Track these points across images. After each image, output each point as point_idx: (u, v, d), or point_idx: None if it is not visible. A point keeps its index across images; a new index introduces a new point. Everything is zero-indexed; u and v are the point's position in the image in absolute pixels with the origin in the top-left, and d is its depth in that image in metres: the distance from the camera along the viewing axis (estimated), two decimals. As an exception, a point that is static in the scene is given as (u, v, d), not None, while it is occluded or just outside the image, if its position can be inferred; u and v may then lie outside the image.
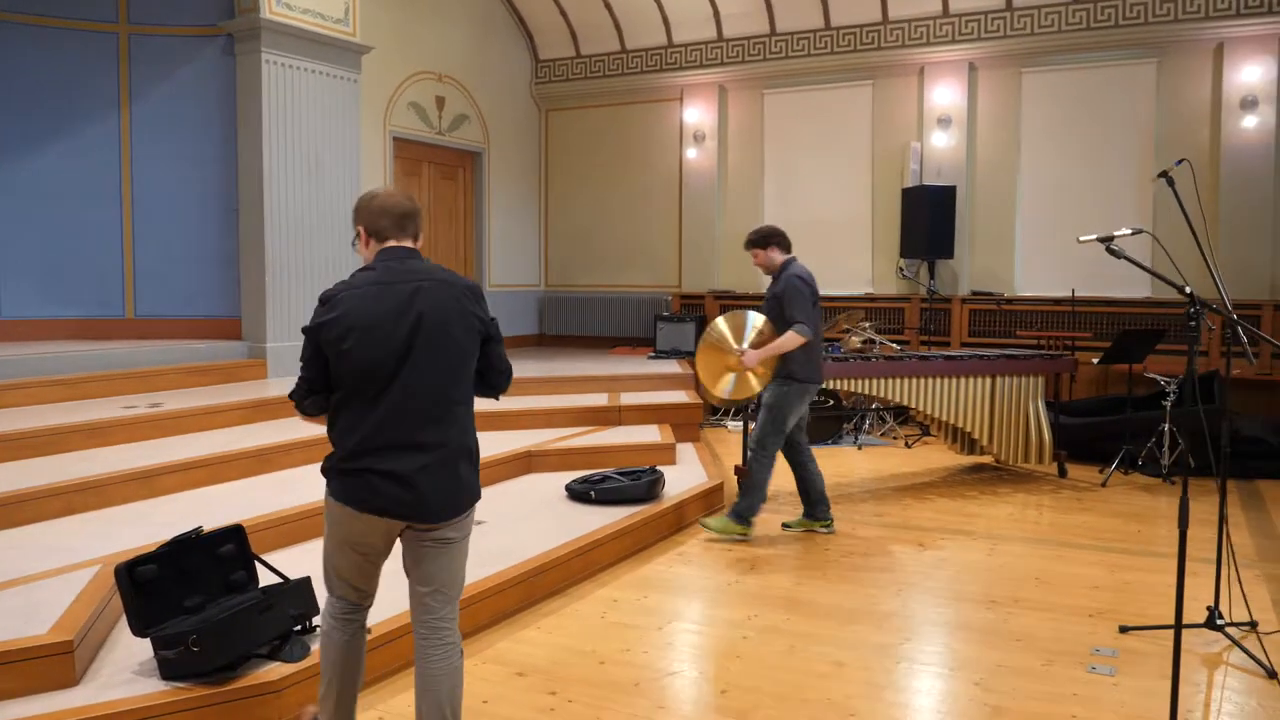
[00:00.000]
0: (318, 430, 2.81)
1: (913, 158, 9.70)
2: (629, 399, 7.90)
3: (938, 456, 8.12)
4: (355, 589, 2.81)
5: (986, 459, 7.83)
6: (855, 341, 8.76)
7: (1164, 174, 4.10)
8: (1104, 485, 7.03)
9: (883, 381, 6.83)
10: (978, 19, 9.43)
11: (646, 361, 9.77)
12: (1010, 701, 3.41)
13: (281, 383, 7.24)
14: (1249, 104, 8.45)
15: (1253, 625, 4.02)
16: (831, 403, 8.72)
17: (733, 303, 10.62)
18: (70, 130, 7.87)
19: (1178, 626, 3.20)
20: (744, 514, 5.49)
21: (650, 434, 7.15)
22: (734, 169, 10.74)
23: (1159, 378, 7.17)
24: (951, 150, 9.62)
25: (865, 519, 6.04)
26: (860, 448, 8.47)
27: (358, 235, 2.81)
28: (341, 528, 2.72)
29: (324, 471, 2.72)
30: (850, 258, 10.23)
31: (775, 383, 5.42)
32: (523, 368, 8.53)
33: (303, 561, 3.96)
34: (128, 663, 3.23)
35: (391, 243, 2.74)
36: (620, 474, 5.85)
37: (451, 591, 2.79)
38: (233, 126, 7.87)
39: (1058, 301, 9.10)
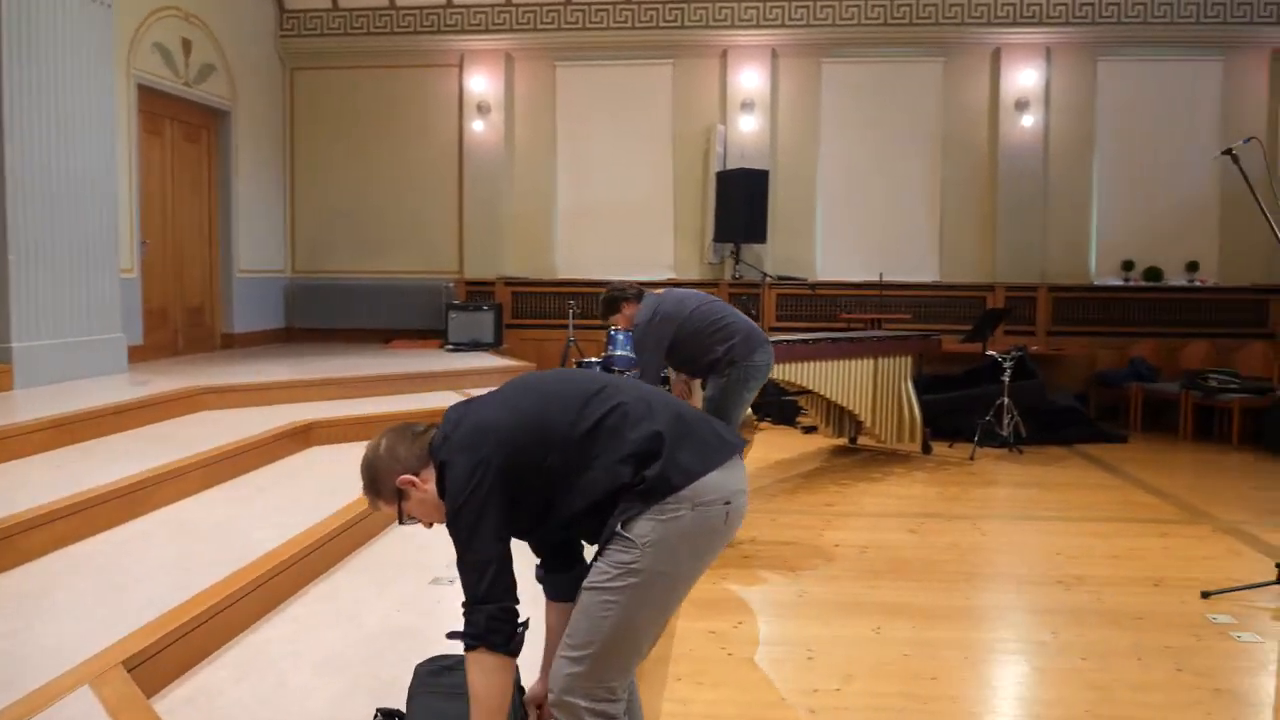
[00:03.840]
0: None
1: (718, 140, 9.55)
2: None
3: (821, 441, 8.05)
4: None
5: (840, 441, 7.88)
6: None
7: (1228, 151, 4.20)
8: (972, 459, 7.32)
9: (785, 366, 6.54)
10: (781, 6, 9.48)
11: (454, 355, 8.71)
12: (1209, 680, 3.23)
13: (32, 395, 5.40)
14: (1023, 106, 9.28)
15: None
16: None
17: (528, 290, 9.84)
18: None
19: None
20: None
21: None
22: (523, 145, 9.92)
23: (996, 354, 7.61)
24: (756, 135, 9.60)
25: (810, 510, 5.73)
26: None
27: (402, 495, 2.07)
28: (699, 553, 2.04)
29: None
30: (651, 241, 9.87)
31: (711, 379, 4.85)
32: (311, 366, 7.29)
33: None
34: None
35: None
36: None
37: None
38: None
39: (866, 285, 9.41)
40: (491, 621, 1.88)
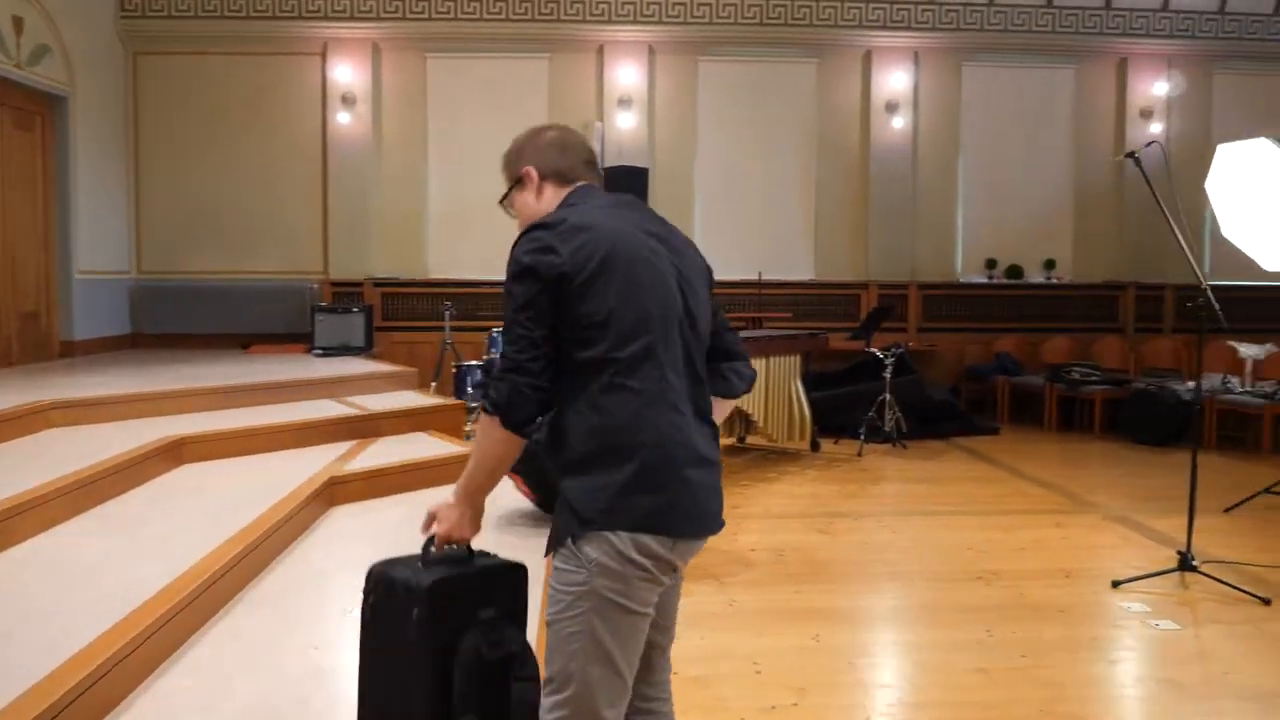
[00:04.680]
0: None
1: (595, 137, 9.37)
2: (372, 403, 6.52)
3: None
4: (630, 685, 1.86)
5: (729, 440, 7.84)
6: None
7: (1131, 154, 4.32)
8: (860, 455, 7.40)
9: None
10: (658, 3, 9.38)
11: (324, 360, 8.20)
12: (1147, 670, 3.28)
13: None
14: (893, 108, 9.49)
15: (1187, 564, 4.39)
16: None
17: (400, 291, 9.41)
18: None
19: None
20: None
21: (437, 444, 5.95)
22: (392, 139, 9.47)
23: (878, 351, 7.74)
24: (634, 132, 9.46)
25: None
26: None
27: (518, 182, 2.01)
28: (635, 587, 1.76)
29: (595, 505, 1.75)
30: (527, 241, 9.58)
31: None
32: (169, 376, 6.71)
33: None
34: None
35: (582, 183, 2.00)
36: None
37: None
38: None
39: (745, 284, 9.41)
40: (516, 395, 1.74)
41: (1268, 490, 5.37)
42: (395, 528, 4.51)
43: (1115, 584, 4.19)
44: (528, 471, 4.70)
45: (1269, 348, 7.73)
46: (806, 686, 3.16)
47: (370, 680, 1.95)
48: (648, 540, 1.74)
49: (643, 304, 1.77)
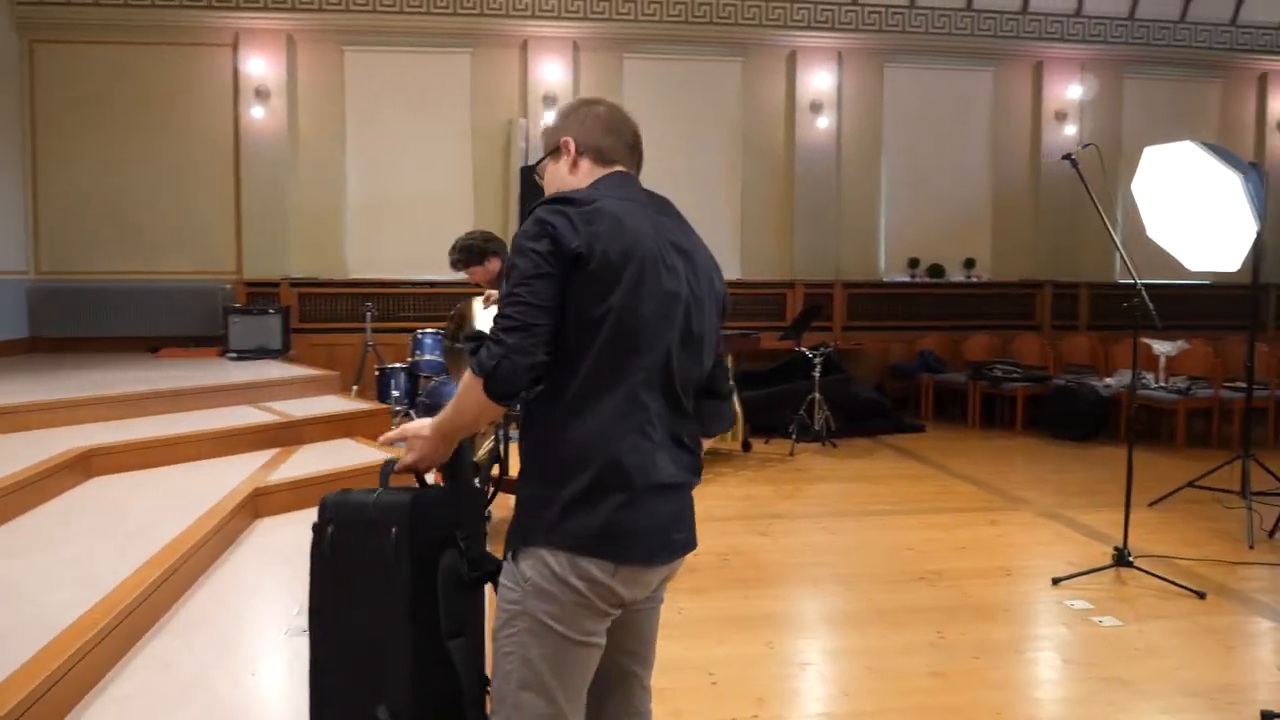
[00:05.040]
0: None
1: (520, 135, 9.20)
2: (293, 409, 6.26)
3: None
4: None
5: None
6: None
7: (1068, 156, 4.37)
8: (792, 455, 7.40)
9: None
10: (583, -2, 9.27)
11: (239, 364, 7.87)
12: (1097, 669, 3.31)
13: None
14: (817, 108, 9.54)
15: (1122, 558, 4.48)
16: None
17: (318, 291, 9.10)
18: None
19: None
20: None
21: (364, 451, 5.74)
22: (308, 134, 9.14)
23: (807, 350, 7.77)
24: (559, 130, 9.31)
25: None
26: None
27: (554, 152, 1.89)
28: (572, 613, 1.66)
29: (540, 518, 1.66)
30: (450, 240, 9.23)
31: None
32: (73, 382, 6.35)
33: None
34: None
35: (620, 169, 1.87)
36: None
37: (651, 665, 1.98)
38: None
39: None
40: (503, 368, 1.59)
41: (1191, 484, 5.51)
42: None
43: (1055, 581, 4.23)
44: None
45: (1180, 344, 7.98)
46: (764, 696, 3.09)
47: (337, 617, 1.82)
48: (587, 564, 1.63)
49: (641, 315, 1.65)
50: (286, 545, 4.20)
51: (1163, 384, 7.84)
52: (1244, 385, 7.80)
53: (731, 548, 4.85)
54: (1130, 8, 9.88)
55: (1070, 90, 9.89)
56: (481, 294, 5.04)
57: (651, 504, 1.68)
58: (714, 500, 5.97)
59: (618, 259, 1.63)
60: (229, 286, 8.98)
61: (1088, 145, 4.36)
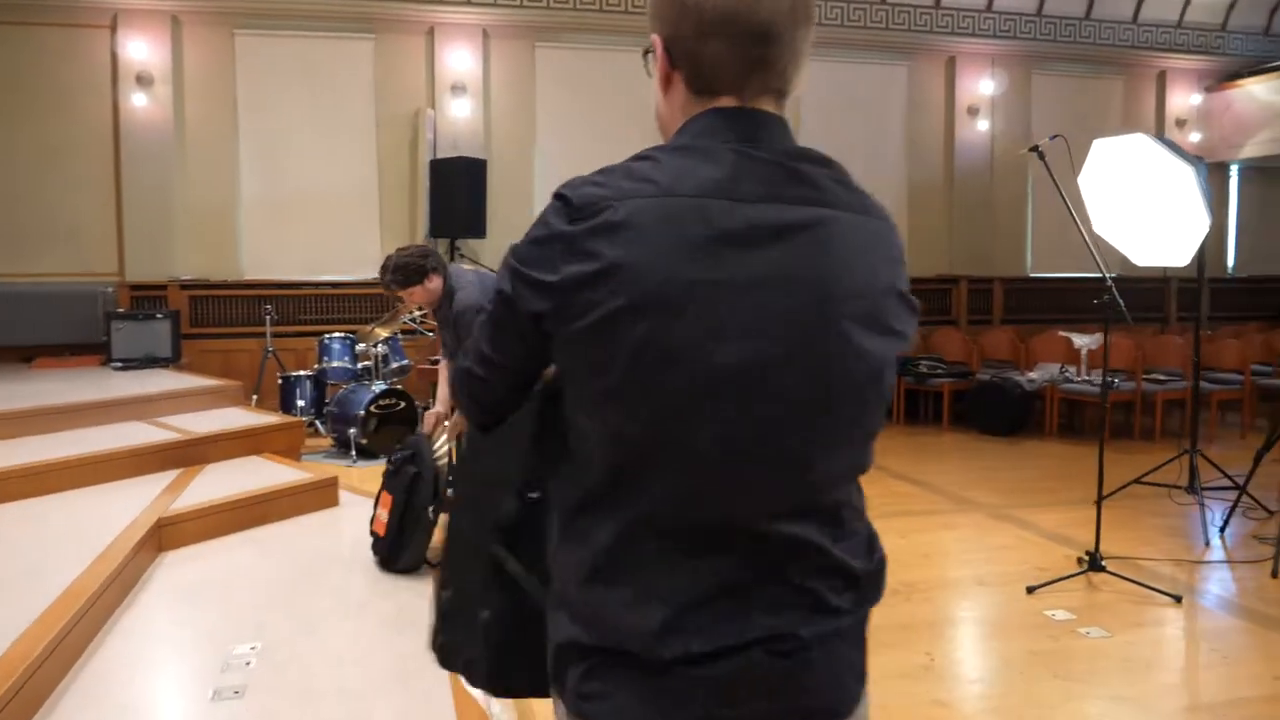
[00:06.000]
0: None
1: (428, 126, 8.71)
2: (191, 424, 5.69)
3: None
4: None
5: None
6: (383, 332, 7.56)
7: (1035, 148, 4.22)
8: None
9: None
10: (492, -17, 8.83)
11: (125, 375, 7.21)
12: (1093, 687, 3.14)
13: None
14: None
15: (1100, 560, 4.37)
16: (403, 405, 7.39)
17: (210, 294, 8.44)
18: None
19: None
20: None
21: (277, 469, 5.25)
22: (196, 124, 8.45)
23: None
24: (468, 121, 8.88)
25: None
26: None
27: (651, 52, 1.19)
28: None
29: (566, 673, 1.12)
30: (355, 237, 8.82)
31: None
32: None
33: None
34: None
35: (729, 103, 1.12)
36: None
37: None
38: None
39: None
40: (464, 403, 1.23)
41: (1138, 480, 5.46)
42: (247, 571, 3.87)
43: (1030, 590, 4.07)
44: (395, 488, 4.12)
45: (1099, 337, 8.04)
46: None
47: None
48: None
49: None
50: (198, 582, 3.74)
51: (1086, 377, 7.89)
52: (1162, 378, 7.97)
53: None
54: (1038, 4, 9.98)
55: (982, 85, 9.93)
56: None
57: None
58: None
59: (626, 308, 1.00)
60: (110, 289, 8.24)
61: (1055, 137, 4.21)
